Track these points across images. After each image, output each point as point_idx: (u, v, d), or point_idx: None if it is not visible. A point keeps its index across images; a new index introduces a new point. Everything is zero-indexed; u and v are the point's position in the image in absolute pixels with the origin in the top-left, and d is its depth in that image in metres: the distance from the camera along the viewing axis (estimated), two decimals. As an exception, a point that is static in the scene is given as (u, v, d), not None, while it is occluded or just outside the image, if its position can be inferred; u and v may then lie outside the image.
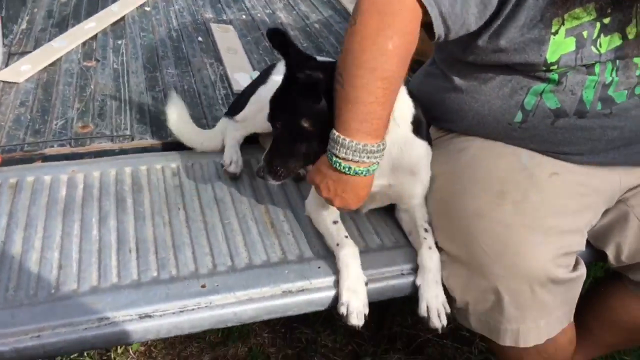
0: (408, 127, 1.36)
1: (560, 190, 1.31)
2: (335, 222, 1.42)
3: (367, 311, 1.29)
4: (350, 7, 3.01)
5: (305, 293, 1.31)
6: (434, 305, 1.32)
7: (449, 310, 1.33)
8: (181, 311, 1.25)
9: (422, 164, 1.42)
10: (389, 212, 1.55)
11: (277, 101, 1.33)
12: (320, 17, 2.98)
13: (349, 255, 1.34)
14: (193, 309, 1.25)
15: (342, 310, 1.28)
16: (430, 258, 1.36)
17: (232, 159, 1.67)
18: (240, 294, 1.29)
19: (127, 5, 2.87)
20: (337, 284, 1.33)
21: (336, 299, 1.31)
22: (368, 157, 1.19)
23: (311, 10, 3.05)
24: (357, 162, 1.19)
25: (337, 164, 1.20)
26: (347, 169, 1.20)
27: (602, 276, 1.74)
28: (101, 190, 1.58)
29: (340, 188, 1.25)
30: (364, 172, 1.21)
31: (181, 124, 1.75)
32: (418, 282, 1.35)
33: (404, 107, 1.34)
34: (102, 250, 1.38)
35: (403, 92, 1.33)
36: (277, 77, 1.69)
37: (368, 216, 1.55)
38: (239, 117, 1.74)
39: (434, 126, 1.53)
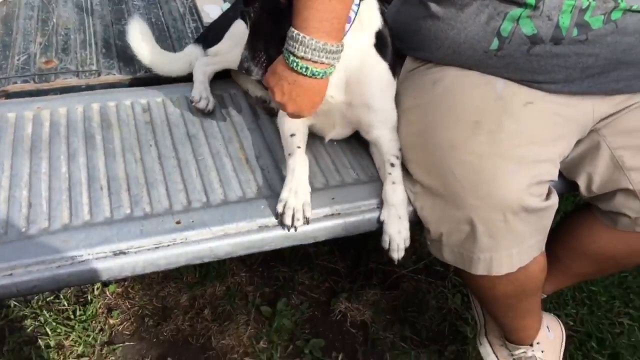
0: (371, 39, 1.34)
1: (535, 120, 1.31)
2: (292, 135, 1.42)
3: (308, 215, 1.30)
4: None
5: (281, 227, 1.31)
6: (395, 240, 1.35)
7: (407, 244, 1.36)
8: (156, 247, 1.24)
9: (376, 90, 1.40)
10: (366, 146, 1.54)
11: None
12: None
13: (297, 162, 1.36)
14: (168, 245, 1.24)
15: (279, 208, 1.29)
16: (393, 192, 1.37)
17: (202, 95, 1.63)
18: (216, 229, 1.28)
19: None
20: (316, 220, 1.33)
21: (314, 235, 1.32)
22: (327, 57, 1.17)
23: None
24: (315, 62, 1.16)
25: (295, 64, 1.17)
26: (304, 69, 1.17)
27: (572, 209, 1.77)
28: (68, 128, 1.52)
29: (295, 91, 1.21)
30: (321, 74, 1.19)
31: (143, 43, 1.70)
32: (382, 217, 1.36)
33: (372, 16, 1.33)
34: (72, 187, 1.34)
35: (374, 3, 1.31)
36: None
37: (344, 150, 1.54)
38: (211, 50, 1.69)
39: (409, 57, 1.50)
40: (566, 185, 1.46)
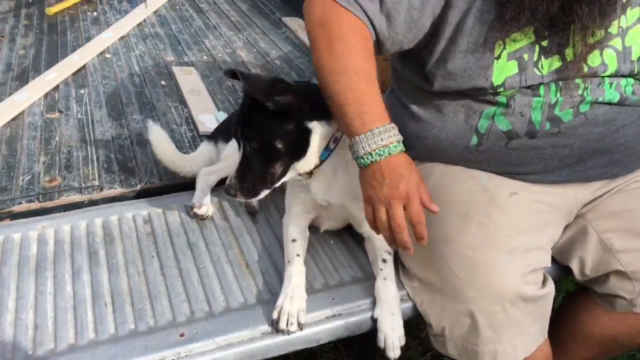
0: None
1: (521, 209, 1.36)
2: (294, 240, 1.48)
3: (302, 321, 1.32)
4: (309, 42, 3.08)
5: (284, 333, 1.32)
6: (389, 337, 1.35)
7: (403, 342, 1.36)
8: (161, 362, 1.25)
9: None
10: (362, 243, 1.58)
11: (246, 121, 1.35)
12: (281, 53, 3.03)
13: (295, 270, 1.40)
14: None
15: (274, 314, 1.32)
16: (385, 289, 1.39)
17: (202, 201, 1.69)
18: (219, 339, 1.29)
19: (88, 53, 2.88)
20: (317, 322, 1.35)
21: (316, 337, 1.33)
22: (388, 136, 1.22)
23: (271, 47, 3.11)
24: (381, 145, 1.21)
25: (370, 156, 1.21)
26: (381, 153, 1.21)
27: (573, 290, 1.78)
28: (72, 244, 1.57)
29: (390, 180, 1.20)
30: (395, 147, 1.22)
31: (165, 146, 1.82)
32: (375, 314, 1.38)
33: None
34: (77, 306, 1.37)
35: None
36: None
37: (341, 249, 1.58)
38: (223, 155, 1.78)
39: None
40: (561, 270, 1.49)
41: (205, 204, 1.69)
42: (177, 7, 3.79)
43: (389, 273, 1.42)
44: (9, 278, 1.44)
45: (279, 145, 1.33)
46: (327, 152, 1.40)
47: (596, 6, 1.20)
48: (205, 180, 1.75)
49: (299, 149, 1.36)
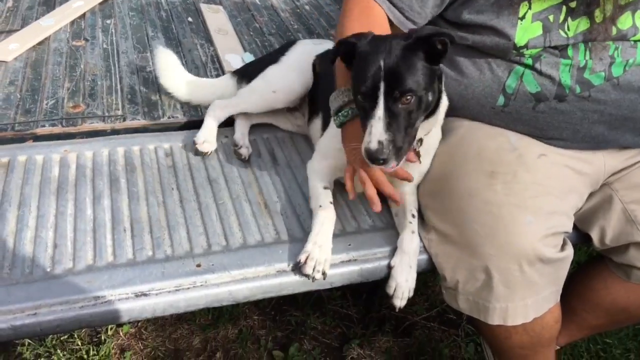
0: None
1: (549, 172, 1.34)
2: (325, 188, 1.45)
3: (327, 270, 1.32)
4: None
5: (298, 272, 1.33)
6: (401, 287, 1.36)
7: (411, 295, 1.37)
8: (177, 290, 1.26)
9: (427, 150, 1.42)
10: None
11: (396, 71, 1.17)
12: (311, -1, 2.96)
13: (328, 217, 1.38)
14: (189, 288, 1.27)
15: (302, 257, 1.30)
16: (410, 241, 1.39)
17: (207, 138, 1.68)
18: (235, 273, 1.31)
19: (116, -17, 2.83)
20: (332, 266, 1.35)
21: (330, 280, 1.34)
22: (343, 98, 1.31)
23: (301, -8, 3.03)
24: (338, 107, 1.32)
25: (337, 122, 1.33)
26: (342, 117, 1.32)
27: (587, 259, 1.78)
28: (94, 170, 1.58)
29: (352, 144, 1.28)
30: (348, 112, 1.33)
31: (172, 72, 1.84)
32: (393, 262, 1.38)
33: None
34: (97, 229, 1.39)
35: None
36: (289, 59, 1.75)
37: (360, 198, 1.57)
38: (241, 91, 1.77)
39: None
40: (580, 237, 1.47)
41: (209, 141, 1.68)
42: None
43: (416, 227, 1.42)
44: (30, 197, 1.45)
45: (430, 98, 1.22)
46: None
47: None
48: (214, 116, 1.73)
49: (434, 104, 1.26)
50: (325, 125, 1.57)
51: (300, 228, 1.45)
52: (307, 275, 1.30)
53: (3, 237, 1.34)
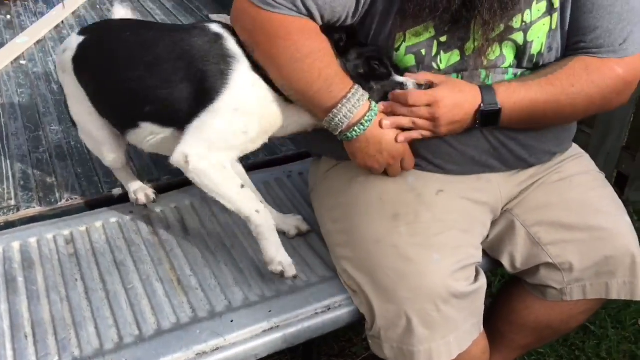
0: None
1: (448, 207, 1.37)
2: (243, 187, 1.38)
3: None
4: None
5: (220, 351, 1.27)
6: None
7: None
8: (88, 395, 1.18)
9: None
10: (297, 251, 1.55)
11: None
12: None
13: (271, 224, 1.39)
14: (101, 391, 1.19)
15: (277, 268, 1.38)
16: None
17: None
18: (150, 365, 1.23)
19: (1, 60, 2.70)
20: (254, 337, 1.31)
21: (254, 352, 1.29)
22: (357, 99, 1.26)
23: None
24: (356, 118, 1.27)
25: (358, 130, 1.28)
26: (365, 123, 1.27)
27: (507, 279, 1.82)
28: (-13, 273, 1.46)
29: (373, 150, 1.31)
30: (373, 112, 1.29)
31: None
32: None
33: None
34: (-6, 341, 1.27)
35: None
36: None
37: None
38: None
39: (324, 157, 1.57)
40: (492, 262, 1.51)
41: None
42: (98, 6, 3.62)
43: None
44: None
45: None
46: None
47: (496, 1, 1.20)
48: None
49: None
50: (202, 98, 1.33)
51: (217, 300, 1.40)
52: (295, 276, 1.40)
53: None
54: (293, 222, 1.60)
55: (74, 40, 1.53)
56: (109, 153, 1.60)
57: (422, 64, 1.31)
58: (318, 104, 1.28)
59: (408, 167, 1.37)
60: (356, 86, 1.28)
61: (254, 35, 1.31)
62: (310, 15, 1.28)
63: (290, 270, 1.39)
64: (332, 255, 1.46)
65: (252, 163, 1.94)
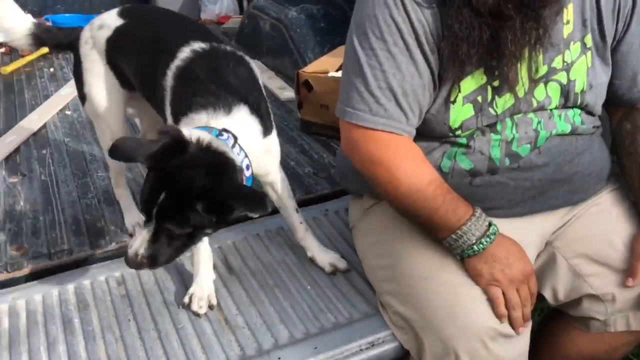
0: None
1: (495, 244, 1.39)
2: None
3: (213, 302, 1.55)
4: (269, 83, 3.10)
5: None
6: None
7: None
8: None
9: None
10: (338, 287, 1.59)
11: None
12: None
13: (209, 254, 1.60)
14: None
15: (185, 299, 1.53)
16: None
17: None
18: (204, 402, 1.28)
19: (47, 111, 2.86)
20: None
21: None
22: (484, 219, 1.29)
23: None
24: (485, 228, 1.28)
25: (485, 242, 1.28)
26: (491, 235, 1.29)
27: (549, 311, 1.82)
28: (45, 315, 1.54)
29: (500, 267, 1.29)
30: (495, 226, 1.30)
31: None
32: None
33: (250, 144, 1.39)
34: (55, 380, 1.34)
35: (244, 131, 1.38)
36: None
37: (320, 295, 1.58)
38: None
39: (365, 194, 1.59)
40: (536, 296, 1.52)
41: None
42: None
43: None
44: (-19, 358, 1.40)
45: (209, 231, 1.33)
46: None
47: (518, 32, 1.23)
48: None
49: None
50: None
51: (264, 338, 1.44)
52: (194, 312, 1.51)
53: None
54: (328, 259, 1.67)
55: (113, 20, 1.65)
56: (113, 124, 1.75)
57: (479, 112, 1.33)
58: (443, 226, 1.30)
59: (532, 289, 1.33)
60: (479, 209, 1.32)
61: (367, 167, 1.35)
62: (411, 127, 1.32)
63: (195, 307, 1.52)
64: (376, 291, 1.49)
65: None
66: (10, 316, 1.53)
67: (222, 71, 1.43)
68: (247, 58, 1.54)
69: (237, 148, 1.33)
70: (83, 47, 1.71)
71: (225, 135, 1.32)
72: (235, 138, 1.34)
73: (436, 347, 1.31)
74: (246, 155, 1.36)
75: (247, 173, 1.36)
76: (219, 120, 1.35)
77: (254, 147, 1.41)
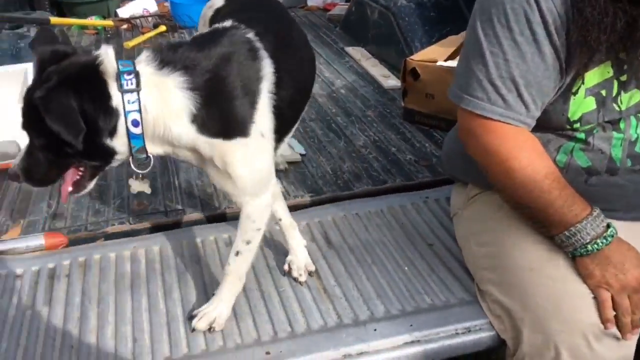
0: (189, 128, 1.27)
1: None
2: None
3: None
4: (372, 71, 3.16)
5: (364, 356, 1.38)
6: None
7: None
8: (250, 379, 1.32)
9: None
10: (435, 272, 1.63)
11: None
12: (345, 82, 3.12)
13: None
14: (261, 377, 1.33)
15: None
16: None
17: None
18: (303, 359, 1.36)
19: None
20: (395, 347, 1.40)
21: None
22: (602, 219, 1.26)
23: (335, 77, 3.20)
24: (597, 235, 1.25)
25: (602, 242, 1.25)
26: (610, 236, 1.25)
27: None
28: (162, 264, 1.69)
29: (613, 271, 1.25)
30: (614, 229, 1.26)
31: None
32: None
33: (170, 103, 1.25)
34: (171, 322, 1.47)
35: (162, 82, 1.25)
36: None
37: (416, 276, 1.62)
38: None
39: (471, 182, 1.60)
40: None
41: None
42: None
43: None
44: (108, 294, 1.56)
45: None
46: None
47: None
48: None
49: None
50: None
51: (360, 310, 1.50)
52: (294, 279, 1.63)
53: (86, 333, 1.44)
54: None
55: (218, 1, 1.77)
56: None
57: (603, 107, 1.29)
58: (557, 221, 1.28)
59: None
60: (597, 208, 1.28)
61: (483, 156, 1.34)
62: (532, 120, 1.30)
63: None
64: (476, 279, 1.51)
65: (389, 187, 2.06)
66: (132, 262, 1.69)
67: (216, 51, 1.32)
68: (269, 69, 1.37)
69: (131, 95, 1.21)
70: (200, 26, 1.87)
71: (129, 76, 1.22)
72: (138, 89, 1.22)
73: (536, 340, 1.31)
74: (140, 112, 1.22)
75: (135, 130, 1.23)
76: (151, 72, 1.26)
77: (172, 125, 1.26)
